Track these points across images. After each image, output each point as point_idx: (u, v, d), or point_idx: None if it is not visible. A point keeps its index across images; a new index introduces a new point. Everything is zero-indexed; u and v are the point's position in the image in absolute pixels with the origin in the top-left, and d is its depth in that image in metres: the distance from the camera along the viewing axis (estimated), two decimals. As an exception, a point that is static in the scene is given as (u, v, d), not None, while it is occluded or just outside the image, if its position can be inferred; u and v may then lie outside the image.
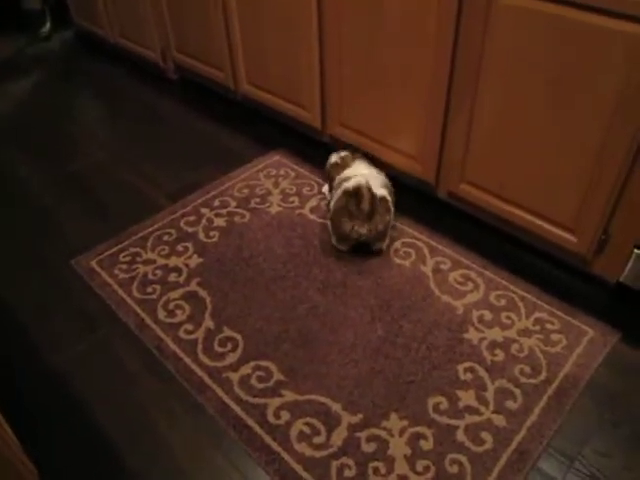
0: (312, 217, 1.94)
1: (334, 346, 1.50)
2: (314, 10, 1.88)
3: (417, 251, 1.79)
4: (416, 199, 1.99)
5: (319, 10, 1.88)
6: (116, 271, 1.77)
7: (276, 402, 1.38)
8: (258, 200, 2.03)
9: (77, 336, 1.59)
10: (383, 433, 1.31)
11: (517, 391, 1.39)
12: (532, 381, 1.41)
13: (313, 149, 2.28)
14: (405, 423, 1.33)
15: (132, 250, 1.84)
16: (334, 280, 1.69)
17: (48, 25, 3.48)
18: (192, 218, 1.97)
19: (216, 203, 2.03)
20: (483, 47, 1.50)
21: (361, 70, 1.85)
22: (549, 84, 1.42)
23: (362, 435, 1.31)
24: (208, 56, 2.48)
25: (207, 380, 1.44)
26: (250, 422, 1.34)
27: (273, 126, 2.44)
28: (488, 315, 1.57)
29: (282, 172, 2.17)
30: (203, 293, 1.67)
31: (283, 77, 2.17)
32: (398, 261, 1.75)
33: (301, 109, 2.18)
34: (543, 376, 1.42)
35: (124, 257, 1.82)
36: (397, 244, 1.81)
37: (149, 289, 1.69)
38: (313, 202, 2.00)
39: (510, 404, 1.36)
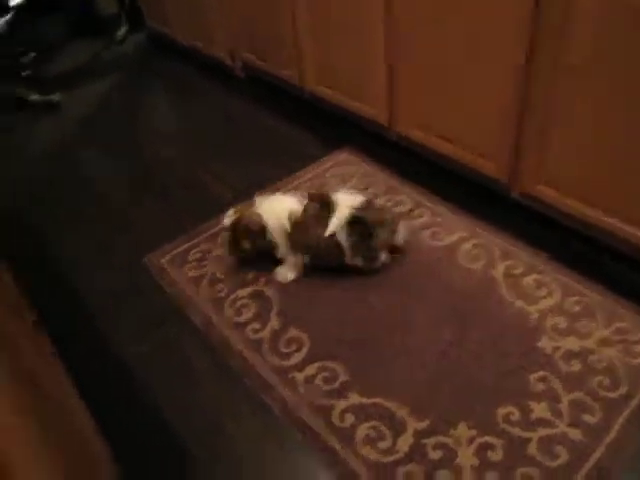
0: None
1: (401, 349, 1.49)
2: (382, 6, 1.87)
3: (487, 253, 1.74)
4: (486, 198, 1.93)
5: (387, 6, 1.86)
6: (185, 269, 1.81)
7: (341, 404, 1.38)
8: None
9: (145, 332, 1.64)
10: (450, 441, 1.29)
11: (595, 405, 1.32)
12: (611, 395, 1.34)
13: (381, 147, 2.26)
14: (473, 432, 1.30)
15: (202, 247, 1.89)
16: (400, 282, 1.67)
17: (124, 29, 3.62)
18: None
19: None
20: (561, 42, 1.44)
21: (431, 66, 1.82)
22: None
23: (429, 442, 1.29)
24: (276, 55, 2.51)
25: (273, 380, 1.46)
26: (315, 424, 1.35)
27: (341, 124, 2.44)
28: (563, 322, 1.51)
29: (349, 170, 2.17)
30: (269, 292, 1.69)
31: (351, 75, 2.16)
32: (467, 264, 1.71)
33: (368, 107, 2.17)
34: (624, 390, 1.35)
35: (194, 254, 1.87)
36: (467, 245, 1.77)
37: (217, 287, 1.73)
38: (380, 200, 1.99)
39: (588, 418, 1.30)
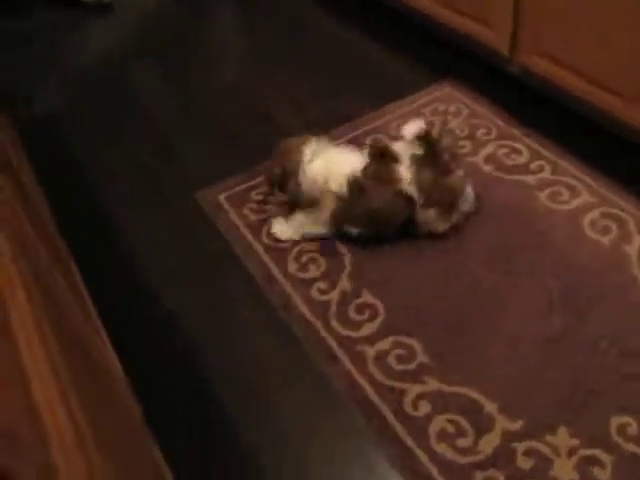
0: (486, 168, 1.88)
1: (497, 335, 1.47)
2: None
3: (621, 225, 1.67)
4: (630, 156, 1.85)
5: None
6: (245, 210, 1.85)
7: (416, 389, 1.39)
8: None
9: (195, 280, 1.70)
10: (546, 449, 1.28)
11: None
12: None
13: (495, 81, 2.19)
14: (576, 442, 1.28)
15: (265, 189, 1.91)
16: (506, 251, 1.65)
17: None
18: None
19: (368, 141, 2.04)
20: None
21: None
22: None
23: (519, 447, 1.28)
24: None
25: (337, 350, 1.48)
26: (383, 408, 1.37)
27: (445, 49, 2.38)
28: None
29: (453, 108, 2.12)
30: (343, 248, 1.71)
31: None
32: (593, 236, 1.66)
33: (486, 28, 2.09)
34: None
35: (256, 195, 1.90)
36: (594, 213, 1.71)
37: (281, 236, 1.78)
38: (489, 149, 1.94)
39: None
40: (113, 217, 1.92)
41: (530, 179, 1.84)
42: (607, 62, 1.74)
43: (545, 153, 1.92)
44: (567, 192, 1.79)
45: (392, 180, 1.60)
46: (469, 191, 1.71)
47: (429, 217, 1.63)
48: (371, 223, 1.65)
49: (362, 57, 2.44)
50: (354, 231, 1.68)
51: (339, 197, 1.63)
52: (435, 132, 1.68)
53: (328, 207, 1.66)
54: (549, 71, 1.94)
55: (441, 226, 1.66)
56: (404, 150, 1.64)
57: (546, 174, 1.85)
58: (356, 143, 2.02)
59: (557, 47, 1.87)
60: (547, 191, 1.80)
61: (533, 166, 1.88)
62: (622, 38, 1.67)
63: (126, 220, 1.90)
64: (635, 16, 1.62)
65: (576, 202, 1.76)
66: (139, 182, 2.04)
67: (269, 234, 1.77)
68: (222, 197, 1.91)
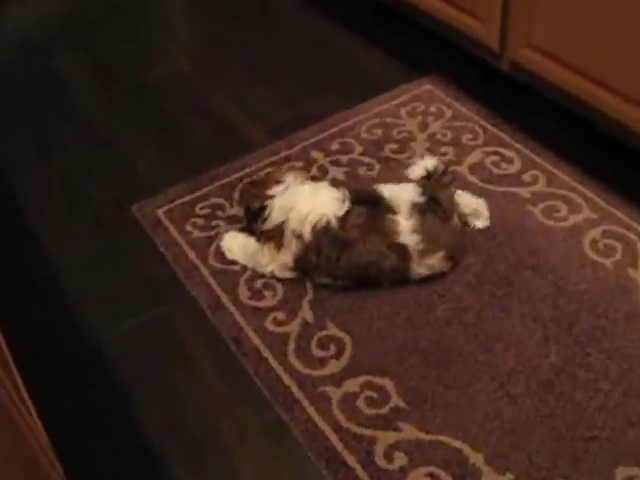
0: (471, 179, 1.90)
1: (484, 372, 1.48)
2: None
3: (626, 245, 1.70)
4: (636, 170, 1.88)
5: None
6: (189, 227, 1.84)
7: (389, 437, 1.39)
8: (395, 147, 2.03)
9: (130, 310, 1.68)
10: (542, 507, 1.28)
11: None
12: None
13: (481, 79, 2.23)
14: (577, 498, 1.28)
15: (213, 201, 1.91)
16: (495, 275, 1.66)
17: None
18: (298, 164, 2.00)
19: (334, 146, 2.05)
20: None
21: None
22: None
23: (510, 505, 1.29)
24: None
25: (297, 392, 1.47)
26: (350, 460, 1.36)
27: (425, 42, 2.40)
28: None
29: (433, 109, 2.14)
30: (304, 271, 1.72)
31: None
32: (595, 257, 1.68)
33: (473, 19, 2.11)
34: None
35: (202, 209, 1.89)
36: (596, 231, 1.73)
37: (232, 257, 1.77)
38: (475, 156, 1.96)
39: None
40: (30, 236, 1.89)
41: (522, 192, 1.86)
42: (611, 58, 1.77)
43: (539, 161, 1.94)
44: (565, 207, 1.81)
45: (388, 233, 1.61)
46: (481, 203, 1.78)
47: (433, 261, 1.64)
48: (356, 278, 1.66)
49: (333, 50, 2.47)
50: (331, 282, 1.67)
51: (302, 242, 1.63)
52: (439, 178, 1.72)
53: (290, 251, 1.65)
54: (543, 67, 1.95)
55: (446, 267, 1.67)
56: (399, 198, 1.65)
57: (541, 186, 1.87)
58: (319, 148, 2.04)
59: (551, 40, 1.90)
60: (542, 205, 1.82)
61: (526, 176, 1.90)
62: (625, 33, 1.70)
63: (46, 239, 1.88)
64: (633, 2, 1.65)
65: (575, 218, 1.78)
66: (62, 193, 2.02)
67: (217, 254, 1.76)
68: (162, 211, 1.90)
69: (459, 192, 1.77)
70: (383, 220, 1.62)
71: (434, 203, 1.64)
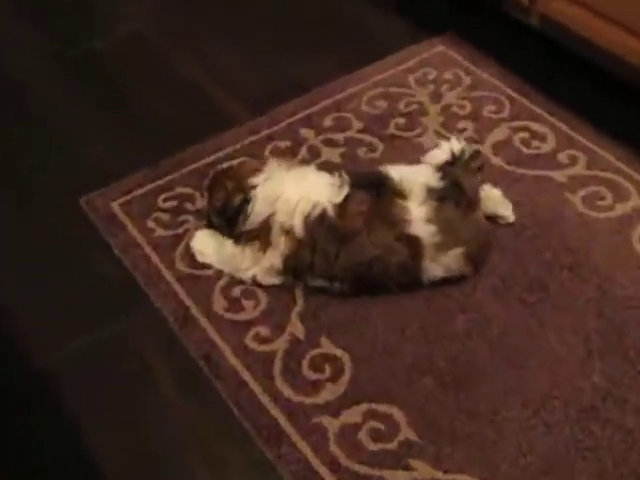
0: (496, 161, 1.90)
1: (513, 393, 1.47)
2: None
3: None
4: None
5: None
6: (151, 223, 1.83)
7: (399, 478, 1.37)
8: (402, 123, 2.03)
9: (77, 327, 1.66)
10: None
11: None
12: None
13: (506, 38, 2.23)
14: None
15: (180, 191, 1.90)
16: (525, 275, 1.66)
17: None
18: (284, 143, 2.00)
19: (328, 122, 2.05)
20: None
21: None
22: None
23: None
24: None
25: (285, 424, 1.46)
26: (351, 507, 1.35)
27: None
28: None
29: (448, 75, 2.15)
30: (291, 276, 1.69)
31: None
32: (647, 255, 1.68)
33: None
34: None
35: (166, 201, 1.88)
36: (647, 223, 1.73)
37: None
38: (499, 133, 1.96)
39: None
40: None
41: (558, 175, 1.85)
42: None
43: (578, 138, 1.94)
44: (610, 193, 1.81)
45: (396, 222, 1.60)
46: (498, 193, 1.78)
47: (450, 259, 1.63)
48: (358, 279, 1.65)
49: (324, 4, 2.46)
50: (327, 285, 1.66)
51: (293, 238, 1.61)
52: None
53: (278, 250, 1.64)
54: (578, 19, 1.95)
55: (467, 269, 1.66)
56: (410, 181, 1.64)
57: (580, 168, 1.87)
58: (308, 124, 2.03)
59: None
60: (582, 192, 1.81)
61: (562, 157, 1.90)
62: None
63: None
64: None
65: (623, 208, 1.78)
66: (7, 185, 2.00)
67: (185, 257, 1.75)
68: (117, 204, 1.88)
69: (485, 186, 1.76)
70: (391, 207, 1.60)
71: (456, 190, 1.62)
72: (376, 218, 1.59)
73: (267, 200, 1.62)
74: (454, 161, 1.71)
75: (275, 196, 1.62)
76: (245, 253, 1.67)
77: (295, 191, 1.62)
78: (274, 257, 1.64)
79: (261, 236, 1.64)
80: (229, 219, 1.69)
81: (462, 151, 1.73)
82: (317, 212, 1.59)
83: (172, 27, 2.45)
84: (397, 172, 1.66)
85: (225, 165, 1.76)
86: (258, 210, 1.63)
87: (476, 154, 1.76)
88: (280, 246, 1.62)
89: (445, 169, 1.68)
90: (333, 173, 1.68)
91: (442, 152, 1.77)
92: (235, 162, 1.75)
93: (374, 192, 1.62)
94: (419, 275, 1.63)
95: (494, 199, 1.76)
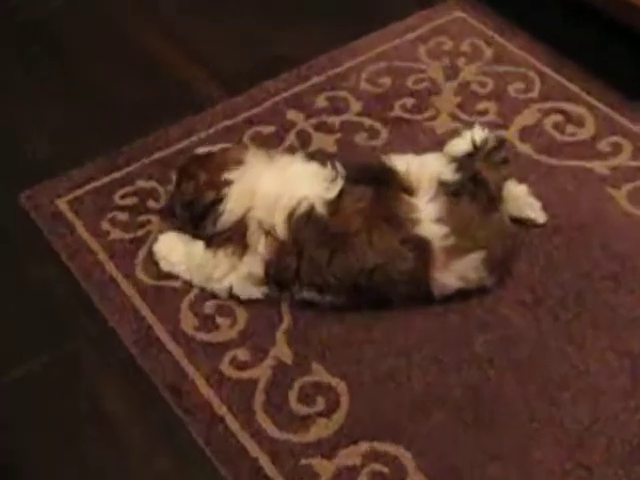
0: (523, 149, 1.91)
1: (545, 430, 1.46)
2: None
3: None
4: None
5: None
6: (106, 224, 1.83)
7: (407, 535, 1.37)
8: (410, 103, 2.03)
9: (16, 353, 1.65)
10: None
11: None
12: None
13: (535, 2, 2.24)
14: None
15: (141, 185, 1.91)
16: (559, 287, 1.66)
17: None
18: (267, 129, 2.00)
19: (320, 102, 2.05)
20: None
21: None
22: None
23: None
24: None
25: (268, 467, 1.45)
26: None
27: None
28: None
29: (466, 46, 2.15)
30: (276, 289, 1.68)
31: None
32: None
33: None
34: None
35: (124, 197, 1.88)
36: None
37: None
38: (528, 115, 1.97)
39: None
40: None
41: (599, 167, 1.85)
42: None
43: (622, 122, 1.94)
44: (664, 189, 1.81)
45: (402, 221, 1.60)
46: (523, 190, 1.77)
47: (467, 266, 1.63)
48: (355, 291, 1.64)
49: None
50: (318, 298, 1.66)
51: (274, 239, 1.61)
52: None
53: (258, 255, 1.64)
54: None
55: (489, 279, 1.65)
56: (419, 173, 1.64)
57: (626, 158, 1.87)
58: (297, 105, 2.04)
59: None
60: (628, 187, 1.82)
61: (603, 145, 1.90)
62: None
63: None
64: None
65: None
66: None
67: (148, 265, 1.75)
68: (65, 201, 1.88)
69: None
70: (395, 203, 1.60)
71: (475, 184, 1.63)
72: (377, 217, 1.59)
73: (242, 196, 1.63)
74: (476, 152, 1.71)
75: (252, 190, 1.62)
76: (218, 258, 1.66)
77: (275, 184, 1.63)
78: (253, 263, 1.64)
79: (235, 238, 1.64)
80: (195, 217, 1.69)
81: (485, 141, 1.73)
82: (303, 209, 1.59)
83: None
84: (403, 163, 1.67)
85: (203, 150, 1.76)
86: (231, 208, 1.63)
87: (501, 144, 1.76)
88: (259, 249, 1.62)
89: (462, 160, 1.68)
90: (324, 163, 1.68)
91: (464, 142, 1.77)
92: (216, 148, 1.75)
93: (375, 186, 1.62)
94: (429, 286, 1.62)
95: (519, 198, 1.76)
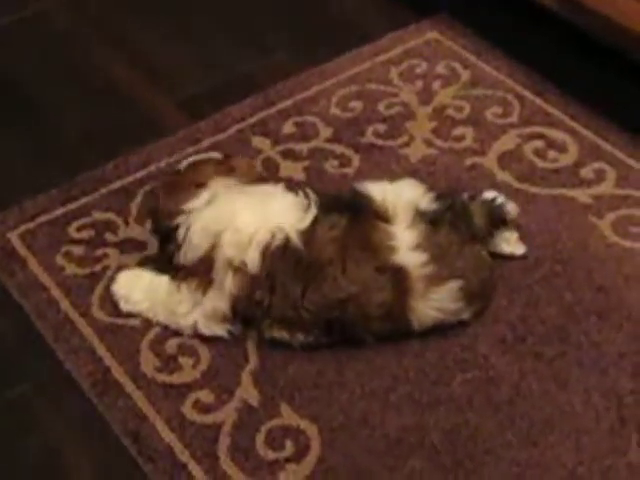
0: (502, 176, 1.92)
1: (528, 475, 1.46)
2: None
3: None
4: None
5: None
6: (61, 259, 1.82)
7: None
8: (382, 129, 2.04)
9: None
10: None
11: None
12: None
13: (514, 23, 2.26)
14: None
15: (98, 217, 1.90)
16: (541, 323, 1.66)
17: None
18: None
19: (288, 128, 2.05)
20: None
21: None
22: None
23: None
24: None
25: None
26: None
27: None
28: None
29: (441, 69, 2.16)
30: (239, 326, 1.69)
31: None
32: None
33: None
34: None
35: (80, 230, 1.88)
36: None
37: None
38: (507, 141, 1.98)
39: None
40: None
41: (582, 195, 1.86)
42: None
43: (607, 147, 1.95)
44: (647, 216, 1.82)
45: (378, 249, 1.60)
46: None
47: (444, 296, 1.62)
48: (329, 325, 1.64)
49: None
50: (287, 337, 1.65)
51: (245, 275, 1.61)
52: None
53: (224, 291, 1.63)
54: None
55: (466, 310, 1.66)
56: (394, 199, 1.65)
57: (609, 185, 1.88)
58: (263, 132, 2.04)
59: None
60: (612, 216, 1.82)
61: (586, 171, 1.91)
62: None
63: None
64: None
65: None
66: None
67: (105, 302, 1.75)
68: (16, 234, 1.88)
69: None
70: (370, 231, 1.61)
71: (455, 215, 1.64)
72: (352, 245, 1.60)
73: (207, 231, 1.62)
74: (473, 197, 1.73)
75: (220, 225, 1.62)
76: (182, 293, 1.66)
77: (250, 218, 1.62)
78: (218, 299, 1.63)
79: (200, 272, 1.63)
80: (162, 240, 1.70)
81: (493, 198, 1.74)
82: (278, 242, 1.59)
83: (86, 7, 2.45)
84: (378, 189, 1.67)
85: (189, 162, 1.77)
86: (195, 242, 1.63)
87: (505, 213, 1.75)
88: (226, 285, 1.61)
89: (445, 192, 1.69)
90: (296, 191, 1.68)
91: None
92: (203, 157, 1.77)
93: (349, 214, 1.63)
94: (407, 317, 1.62)
95: (504, 239, 1.77)
